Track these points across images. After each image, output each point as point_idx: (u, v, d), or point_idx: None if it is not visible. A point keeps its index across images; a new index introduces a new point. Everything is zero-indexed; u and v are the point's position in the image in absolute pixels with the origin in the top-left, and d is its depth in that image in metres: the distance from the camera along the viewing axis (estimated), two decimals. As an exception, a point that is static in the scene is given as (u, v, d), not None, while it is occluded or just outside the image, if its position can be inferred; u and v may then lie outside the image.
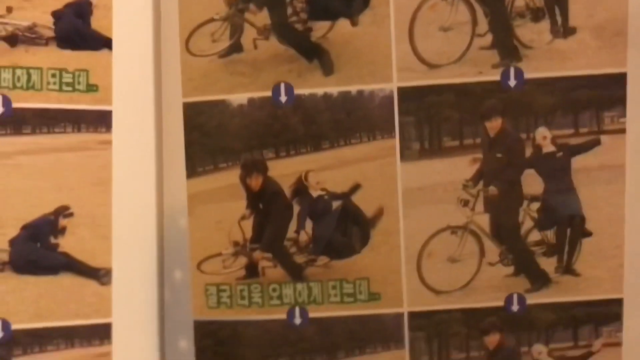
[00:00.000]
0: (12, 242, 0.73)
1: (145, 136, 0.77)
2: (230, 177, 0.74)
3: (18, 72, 0.74)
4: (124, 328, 0.76)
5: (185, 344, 0.76)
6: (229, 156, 0.74)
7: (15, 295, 0.73)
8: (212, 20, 0.74)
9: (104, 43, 0.77)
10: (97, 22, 0.76)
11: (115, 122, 0.77)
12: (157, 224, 0.77)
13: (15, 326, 0.73)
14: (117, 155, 0.77)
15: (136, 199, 0.77)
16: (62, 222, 0.75)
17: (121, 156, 0.76)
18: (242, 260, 0.75)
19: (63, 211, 0.75)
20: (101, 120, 0.77)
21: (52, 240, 0.75)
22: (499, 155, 0.74)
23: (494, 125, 0.73)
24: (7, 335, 0.73)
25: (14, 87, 0.74)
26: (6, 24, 0.75)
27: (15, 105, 0.74)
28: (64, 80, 0.76)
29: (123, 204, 0.76)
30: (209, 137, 0.74)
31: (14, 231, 0.74)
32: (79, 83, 0.76)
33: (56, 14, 0.75)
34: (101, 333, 0.75)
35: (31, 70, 0.75)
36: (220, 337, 0.75)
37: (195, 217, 0.75)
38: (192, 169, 0.75)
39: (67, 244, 0.75)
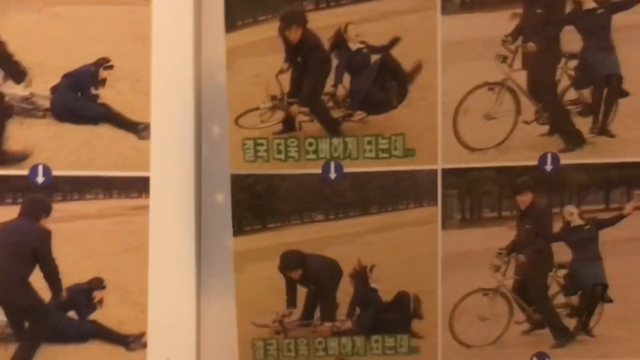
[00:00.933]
0: (54, 90, 0.73)
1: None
2: (269, 30, 0.72)
3: None
4: (161, 182, 0.75)
5: (222, 198, 0.75)
6: (269, 8, 0.72)
7: (55, 142, 0.73)
8: None
9: None
10: None
11: (155, -24, 0.76)
12: (195, 79, 0.76)
13: (55, 172, 0.73)
14: (156, 10, 0.75)
15: (175, 54, 0.75)
16: (103, 73, 0.74)
17: (161, 11, 0.75)
18: (280, 115, 0.74)
19: (103, 63, 0.74)
20: (142, -26, 0.76)
21: (93, 90, 0.74)
22: (539, 10, 0.71)
23: (535, -20, 0.71)
24: (48, 180, 0.73)
25: None
26: None
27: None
28: None
29: (162, 59, 0.75)
30: (250, -9, 0.73)
31: (55, 79, 0.73)
32: None
33: None
34: (139, 186, 0.75)
35: None
36: (256, 191, 0.75)
37: (234, 71, 0.73)
38: (232, 23, 0.73)
39: (107, 95, 0.74)
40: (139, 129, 0.75)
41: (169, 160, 0.75)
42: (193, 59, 0.75)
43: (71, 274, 0.73)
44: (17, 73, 0.71)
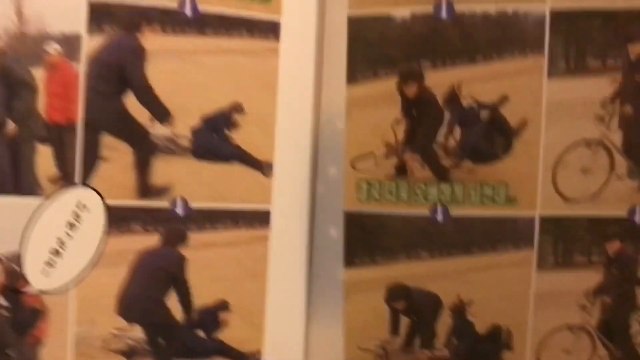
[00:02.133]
0: (194, 131, 0.79)
1: (309, 45, 0.81)
2: (388, 85, 0.78)
3: (203, -22, 0.79)
4: (281, 215, 0.81)
5: (335, 232, 0.80)
6: (389, 65, 0.77)
7: (194, 178, 0.78)
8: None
9: (275, -41, 0.81)
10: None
11: (283, 32, 0.81)
12: (313, 124, 0.81)
13: (193, 205, 0.79)
14: (283, 62, 0.80)
15: (298, 101, 0.81)
16: (235, 117, 0.80)
17: (287, 62, 0.80)
18: (393, 161, 0.79)
19: (236, 108, 0.80)
20: (271, 29, 0.80)
21: (227, 132, 0.80)
22: (637, 79, 0.76)
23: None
24: (187, 212, 0.78)
25: (199, -8, 0.79)
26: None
27: (201, 8, 0.79)
28: (242, -11, 0.80)
29: (286, 105, 0.80)
30: (371, 47, 0.78)
31: (195, 121, 0.79)
32: (254, -8, 0.81)
33: None
34: (262, 218, 0.80)
35: (214, -20, 0.79)
36: (368, 228, 0.80)
37: (353, 119, 0.79)
38: (353, 76, 0.78)
39: (238, 137, 0.80)
40: (264, 167, 0.80)
41: (288, 196, 0.81)
42: (312, 106, 0.81)
43: (201, 297, 0.79)
44: (163, 115, 0.77)
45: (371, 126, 0.79)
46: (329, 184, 0.81)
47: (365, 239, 0.80)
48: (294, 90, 0.81)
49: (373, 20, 0.77)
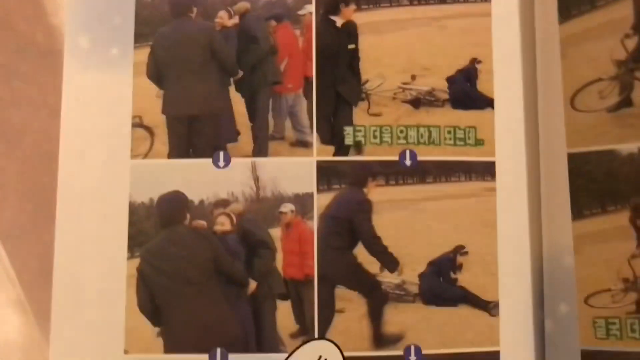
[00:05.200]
0: (421, 277, 0.75)
1: (521, 181, 0.75)
2: (619, 219, 0.70)
3: (421, 130, 0.77)
4: (510, 356, 0.74)
5: (572, 371, 0.73)
6: (618, 200, 0.70)
7: (424, 324, 0.74)
8: (599, 80, 0.72)
9: (488, 103, 0.78)
10: (482, 85, 0.78)
11: (499, 172, 0.76)
12: (534, 262, 0.74)
13: (425, 351, 0.74)
14: (500, 199, 0.76)
15: (518, 238, 0.74)
16: (460, 259, 0.75)
17: (502, 200, 0.75)
18: (632, 296, 0.71)
19: (460, 250, 0.75)
20: (487, 170, 0.76)
21: (452, 275, 0.75)
22: None
23: None
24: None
25: (419, 142, 0.77)
26: (411, 89, 0.78)
27: (420, 158, 0.77)
28: (457, 136, 0.77)
29: (506, 243, 0.75)
30: (596, 183, 0.71)
31: (422, 267, 0.75)
32: (469, 138, 0.77)
33: (450, 80, 0.78)
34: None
35: (431, 128, 0.77)
36: (608, 366, 0.72)
37: (582, 255, 0.72)
38: (578, 211, 0.72)
39: (463, 279, 0.75)
40: (490, 307, 0.74)
41: (516, 336, 0.73)
42: (530, 243, 0.75)
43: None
44: (391, 263, 0.74)
45: (604, 261, 0.71)
46: (560, 321, 0.73)
47: (607, 378, 0.72)
48: (512, 228, 0.75)
49: (596, 157, 0.72)
